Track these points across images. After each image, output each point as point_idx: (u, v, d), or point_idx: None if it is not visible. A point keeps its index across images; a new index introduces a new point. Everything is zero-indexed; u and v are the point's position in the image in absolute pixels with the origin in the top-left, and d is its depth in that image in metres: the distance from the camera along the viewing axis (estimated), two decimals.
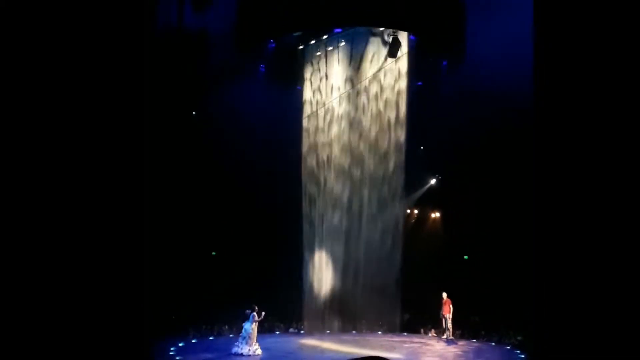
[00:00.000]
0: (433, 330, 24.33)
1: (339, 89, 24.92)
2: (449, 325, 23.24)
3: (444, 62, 23.39)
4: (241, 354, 19.13)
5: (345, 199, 25.38)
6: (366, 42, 23.46)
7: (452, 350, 21.59)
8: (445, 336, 23.38)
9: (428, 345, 22.58)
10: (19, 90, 9.90)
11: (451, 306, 23.16)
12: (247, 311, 19.52)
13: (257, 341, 19.46)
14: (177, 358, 18.73)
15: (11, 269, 9.89)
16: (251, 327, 19.27)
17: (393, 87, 24.62)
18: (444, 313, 23.28)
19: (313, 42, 23.42)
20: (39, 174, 10.00)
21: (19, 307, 9.91)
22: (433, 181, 26.59)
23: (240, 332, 19.68)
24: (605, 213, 9.49)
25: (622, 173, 9.41)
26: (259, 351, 19.35)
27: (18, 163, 9.93)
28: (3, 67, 9.91)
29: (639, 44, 9.47)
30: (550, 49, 9.91)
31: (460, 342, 23.02)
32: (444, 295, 23.32)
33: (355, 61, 24.51)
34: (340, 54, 24.32)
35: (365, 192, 25.50)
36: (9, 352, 9.80)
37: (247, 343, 19.23)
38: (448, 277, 24.10)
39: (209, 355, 19.44)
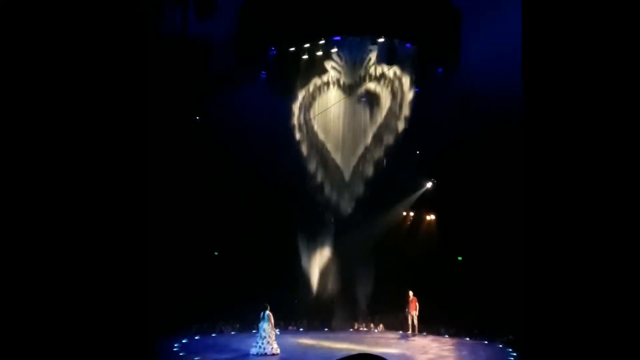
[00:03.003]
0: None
1: (337, 94, 24.91)
2: (415, 322, 23.90)
3: (440, 69, 23.40)
4: (264, 354, 18.72)
5: (343, 201, 25.41)
6: (365, 50, 23.46)
7: (446, 347, 21.58)
8: (410, 332, 23.94)
9: (423, 342, 22.57)
10: (23, 95, 9.92)
11: (417, 304, 23.81)
12: (264, 312, 19.09)
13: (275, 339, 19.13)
14: (181, 354, 18.71)
15: (21, 271, 9.89)
16: (268, 326, 18.91)
17: (390, 93, 24.66)
18: (410, 310, 23.87)
19: (313, 49, 23.38)
20: (46, 178, 10.02)
21: (27, 306, 9.91)
22: (429, 184, 26.58)
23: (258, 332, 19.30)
24: (594, 215, 9.51)
25: (611, 177, 9.43)
26: (278, 350, 19.03)
27: (27, 169, 9.95)
28: (9, 73, 9.95)
29: (625, 52, 9.51)
30: (539, 56, 9.97)
31: (416, 338, 23.42)
32: (410, 293, 23.92)
33: (354, 68, 24.51)
34: (339, 61, 24.30)
35: (364, 195, 25.51)
36: (14, 349, 9.80)
37: (267, 342, 18.85)
38: (442, 277, 24.15)
39: (225, 356, 19.14)
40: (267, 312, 18.98)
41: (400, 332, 24.51)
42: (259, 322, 19.05)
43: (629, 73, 9.45)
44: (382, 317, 25.47)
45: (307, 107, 25.08)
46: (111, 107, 10.35)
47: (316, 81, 24.73)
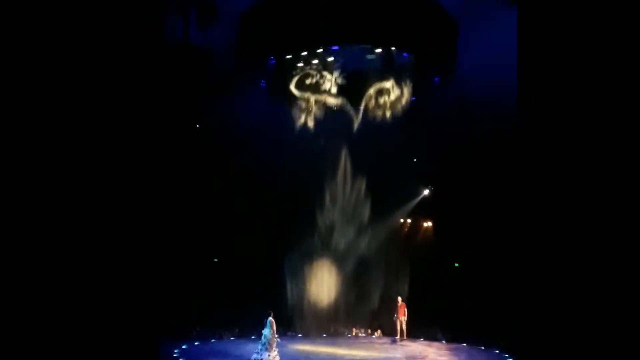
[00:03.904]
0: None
1: (335, 103, 24.98)
2: (404, 327, 24.04)
3: (436, 79, 23.45)
4: None
5: (340, 208, 25.46)
6: (362, 59, 23.51)
7: (443, 352, 21.55)
8: (398, 337, 24.04)
9: (420, 348, 22.54)
10: (26, 99, 9.92)
11: (406, 310, 23.99)
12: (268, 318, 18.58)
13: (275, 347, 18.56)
14: None
15: (31, 280, 9.87)
16: (270, 333, 18.37)
17: (387, 102, 24.70)
18: (398, 316, 24.02)
19: (311, 58, 23.44)
20: (48, 180, 10.01)
21: (33, 311, 9.89)
22: (426, 192, 26.59)
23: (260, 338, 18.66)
24: (590, 221, 9.51)
25: (607, 183, 9.44)
26: (277, 358, 18.51)
27: (31, 173, 9.94)
28: (11, 80, 9.95)
29: (620, 60, 9.54)
30: (534, 65, 10.00)
31: (409, 343, 23.38)
32: (399, 299, 24.10)
33: (351, 76, 24.55)
34: (337, 70, 24.35)
35: (360, 203, 25.56)
36: (17, 353, 9.76)
37: (266, 349, 18.30)
38: (440, 283, 24.17)
39: None
40: (270, 318, 18.57)
41: (395, 337, 24.51)
42: (263, 328, 18.73)
43: (624, 81, 9.48)
44: (380, 323, 25.45)
45: (305, 114, 25.05)
46: (113, 113, 10.36)
47: (314, 89, 24.62)
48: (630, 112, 9.34)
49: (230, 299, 22.96)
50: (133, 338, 10.52)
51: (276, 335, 18.74)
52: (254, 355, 18.54)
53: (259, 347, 18.52)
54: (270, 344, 18.43)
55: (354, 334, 25.50)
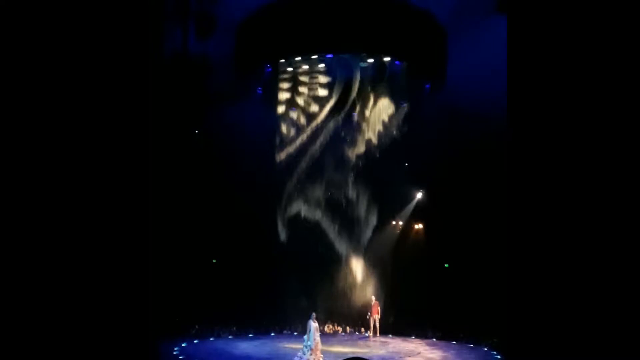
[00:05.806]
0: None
1: (329, 109, 25.04)
2: (377, 325, 24.38)
3: (427, 85, 23.51)
4: None
5: (336, 211, 25.51)
6: (355, 66, 23.57)
7: (432, 349, 21.59)
8: (371, 334, 24.32)
9: (410, 346, 22.56)
10: (30, 105, 9.94)
11: (379, 308, 24.34)
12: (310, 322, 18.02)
13: (311, 350, 17.76)
14: (181, 357, 18.58)
15: (32, 279, 9.85)
16: (312, 337, 17.77)
17: (379, 108, 24.78)
18: (372, 314, 24.34)
19: (306, 66, 23.51)
20: (51, 183, 10.02)
21: (33, 311, 9.87)
22: (420, 195, 26.62)
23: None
24: (575, 223, 9.56)
25: (596, 187, 9.49)
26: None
27: (35, 177, 9.95)
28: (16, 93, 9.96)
29: (608, 71, 9.60)
30: (522, 72, 10.06)
31: (387, 340, 23.61)
32: (373, 298, 24.47)
33: (345, 84, 24.59)
34: (331, 77, 24.41)
35: (356, 205, 25.60)
36: (18, 352, 9.74)
37: (303, 353, 17.80)
38: (430, 283, 24.23)
39: None
40: (309, 321, 17.96)
41: (390, 335, 24.56)
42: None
43: (612, 88, 9.53)
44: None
45: (299, 120, 25.15)
46: (115, 119, 10.38)
47: (309, 95, 24.77)
48: (617, 116, 9.40)
49: (228, 298, 22.94)
50: (133, 336, 10.51)
51: (313, 339, 17.86)
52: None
53: (302, 350, 17.94)
54: (309, 347, 17.78)
55: (347, 332, 25.53)
